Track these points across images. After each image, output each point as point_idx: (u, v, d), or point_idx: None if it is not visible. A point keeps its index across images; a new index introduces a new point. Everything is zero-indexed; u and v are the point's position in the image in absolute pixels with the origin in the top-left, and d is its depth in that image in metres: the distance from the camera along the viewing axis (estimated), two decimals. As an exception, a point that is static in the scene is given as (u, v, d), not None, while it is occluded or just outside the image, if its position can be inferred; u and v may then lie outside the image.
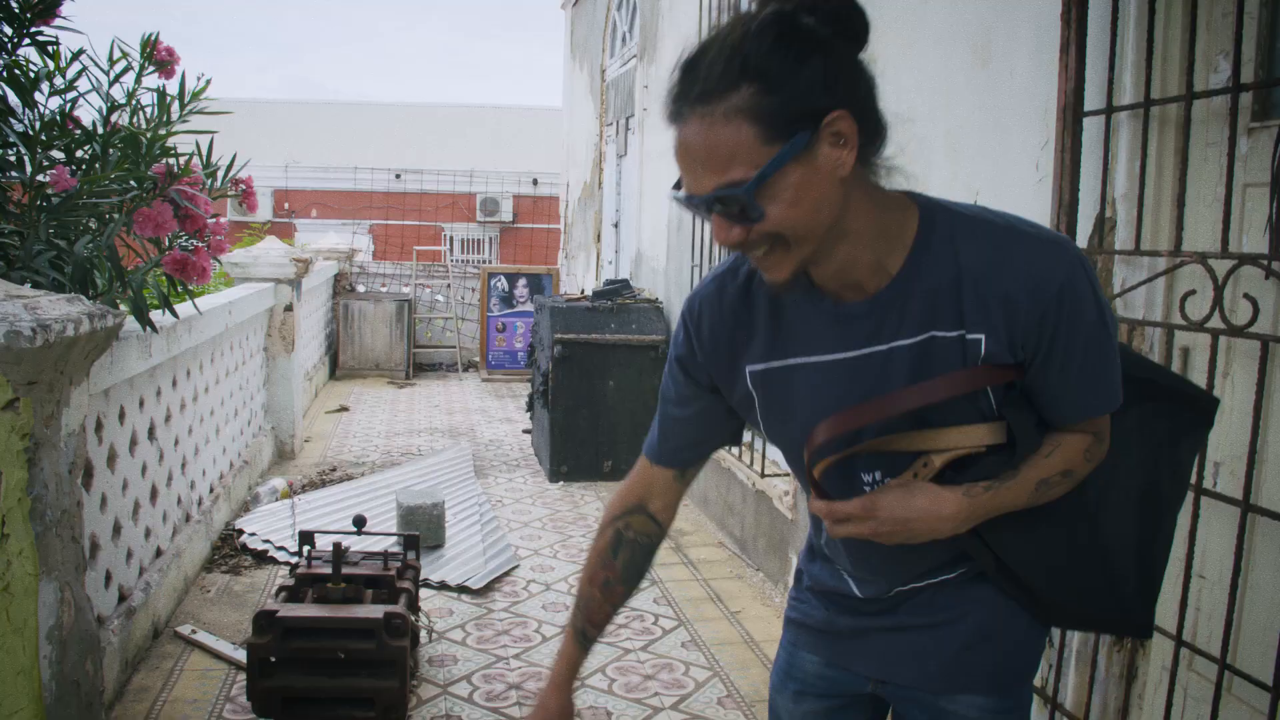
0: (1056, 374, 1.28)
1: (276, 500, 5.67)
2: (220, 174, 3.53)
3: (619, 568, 1.58)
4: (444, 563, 4.70)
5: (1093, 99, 2.32)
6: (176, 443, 4.42)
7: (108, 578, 3.44)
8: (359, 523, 3.40)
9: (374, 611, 2.98)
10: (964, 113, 2.94)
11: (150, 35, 3.30)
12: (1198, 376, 2.11)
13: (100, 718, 2.75)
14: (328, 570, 3.22)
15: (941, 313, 1.28)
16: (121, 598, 3.59)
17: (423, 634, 3.78)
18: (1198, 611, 2.11)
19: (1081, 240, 2.36)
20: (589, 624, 1.60)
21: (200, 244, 3.33)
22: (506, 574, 4.72)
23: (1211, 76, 2.13)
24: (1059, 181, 2.38)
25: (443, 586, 4.50)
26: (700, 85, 1.18)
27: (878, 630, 1.50)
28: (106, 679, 3.10)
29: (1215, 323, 1.97)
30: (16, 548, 2.35)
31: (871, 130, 1.23)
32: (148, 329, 3.55)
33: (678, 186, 1.25)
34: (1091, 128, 2.34)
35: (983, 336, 1.26)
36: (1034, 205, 2.51)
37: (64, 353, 2.41)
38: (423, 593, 4.11)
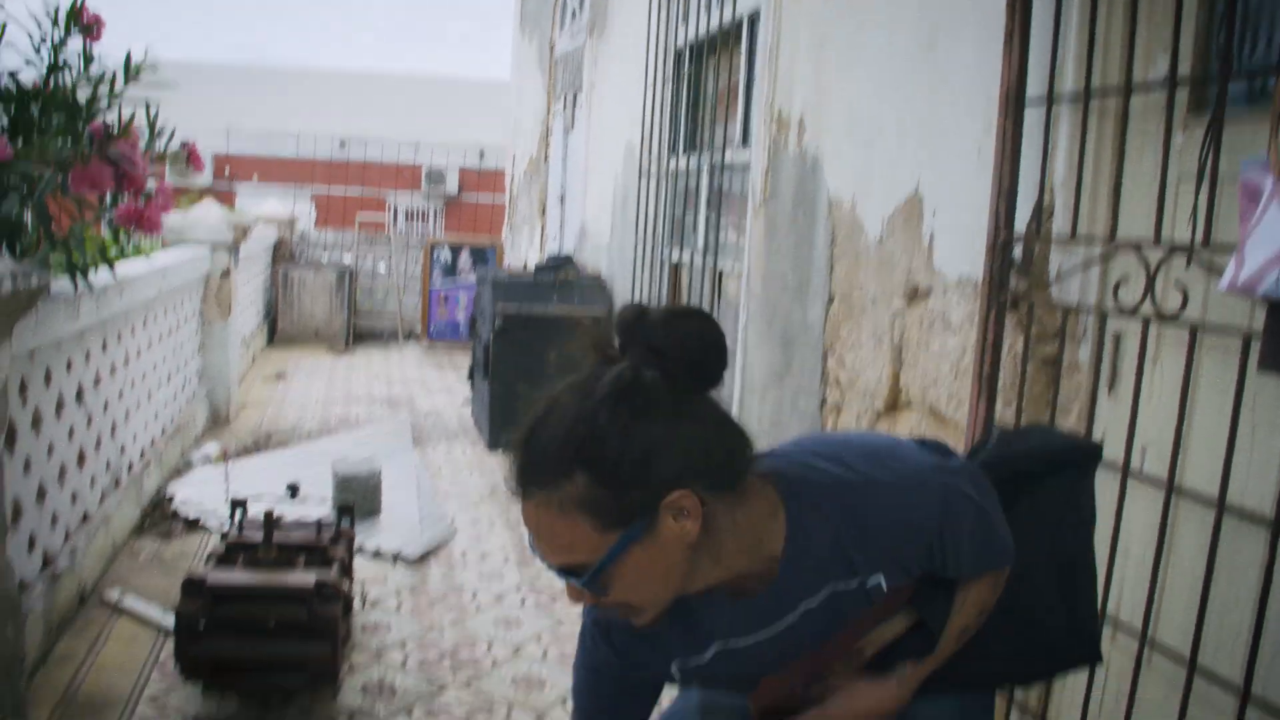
0: (953, 566, 1.39)
1: (210, 466, 5.59)
2: (164, 139, 3.45)
3: None
4: (379, 531, 4.67)
5: (1035, 87, 2.35)
6: (106, 406, 4.33)
7: (31, 542, 3.37)
8: (293, 490, 3.37)
9: (305, 578, 2.95)
10: (910, 97, 2.96)
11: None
12: (1128, 362, 2.16)
13: (20, 683, 2.70)
14: (259, 537, 3.18)
15: (835, 569, 1.33)
16: (46, 562, 3.52)
17: (356, 602, 3.76)
18: (1121, 588, 2.16)
19: (1020, 225, 2.39)
20: None
21: (152, 198, 3.26)
22: (443, 543, 4.71)
23: (1150, 70, 2.16)
24: (999, 167, 2.41)
25: (378, 555, 4.47)
26: (536, 470, 1.17)
27: None
28: (29, 645, 3.04)
29: (1146, 310, 2.01)
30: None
31: (725, 476, 1.22)
32: (78, 288, 3.46)
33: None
34: (1033, 116, 2.37)
35: (880, 576, 1.34)
36: (975, 189, 2.54)
37: (-12, 310, 2.35)
38: (357, 561, 4.08)
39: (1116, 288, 2.09)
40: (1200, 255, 1.92)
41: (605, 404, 1.14)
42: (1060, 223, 2.33)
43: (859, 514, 1.31)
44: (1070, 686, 2.29)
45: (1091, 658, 1.62)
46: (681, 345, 1.17)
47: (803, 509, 1.31)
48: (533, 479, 1.17)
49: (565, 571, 1.19)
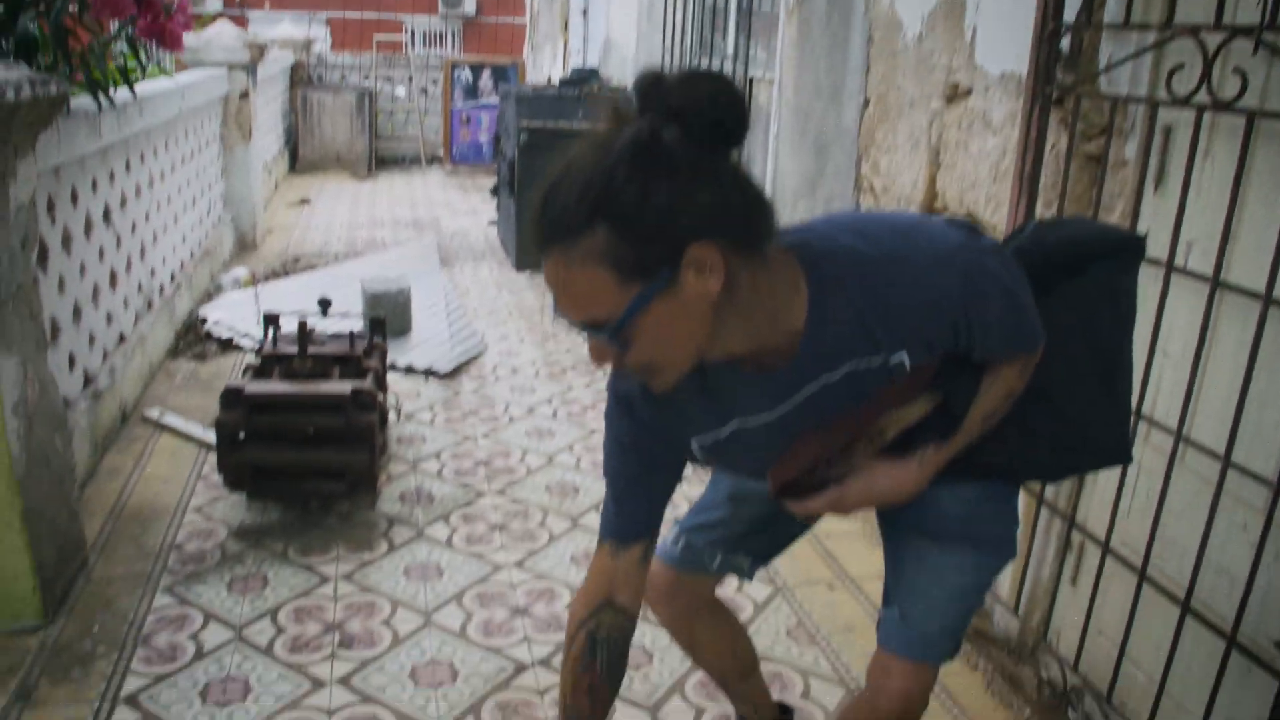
0: (979, 348, 1.37)
1: (239, 289, 5.62)
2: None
3: (600, 669, 1.54)
4: (411, 348, 4.72)
5: None
6: (134, 228, 4.32)
7: (71, 361, 3.42)
8: (324, 304, 3.37)
9: (341, 387, 2.98)
10: (954, -122, 2.78)
11: None
12: (1178, 156, 2.08)
13: (73, 492, 2.77)
14: (294, 350, 3.21)
15: (856, 346, 1.32)
16: (87, 381, 3.58)
17: (391, 414, 3.82)
18: (1158, 388, 2.14)
19: (1069, 14, 2.28)
20: None
21: (173, 14, 3.17)
22: (474, 359, 4.75)
23: None
24: (1050, -48, 2.27)
25: (410, 371, 4.53)
26: (556, 226, 1.14)
27: None
28: (77, 459, 3.11)
29: (1202, 98, 1.93)
30: (-27, 322, 2.31)
31: (747, 236, 1.19)
32: (100, 105, 3.40)
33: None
34: (1088, -107, 2.22)
35: (904, 353, 1.33)
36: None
37: (6, 119, 2.30)
38: (390, 376, 4.14)
39: (1170, 76, 1.99)
40: (1265, 37, 1.81)
41: (624, 159, 1.12)
42: (1112, 10, 2.21)
43: (882, 290, 1.29)
44: (1101, 485, 2.31)
45: (1123, 457, 1.61)
46: (699, 104, 1.13)
47: (825, 283, 1.29)
48: (553, 235, 1.15)
49: (588, 327, 1.19)
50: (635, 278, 1.13)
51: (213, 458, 3.51)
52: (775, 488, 1.47)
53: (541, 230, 1.16)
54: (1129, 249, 1.56)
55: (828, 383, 1.34)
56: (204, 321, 5.03)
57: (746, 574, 1.87)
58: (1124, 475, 2.19)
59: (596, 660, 1.53)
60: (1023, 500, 2.51)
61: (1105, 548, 2.24)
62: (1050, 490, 2.45)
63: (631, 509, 1.53)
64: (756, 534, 1.81)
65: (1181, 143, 2.06)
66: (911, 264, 1.30)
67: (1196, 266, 2.02)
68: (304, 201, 8.91)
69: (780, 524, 1.78)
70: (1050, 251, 1.51)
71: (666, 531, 1.70)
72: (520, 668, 2.47)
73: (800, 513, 1.49)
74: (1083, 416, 1.53)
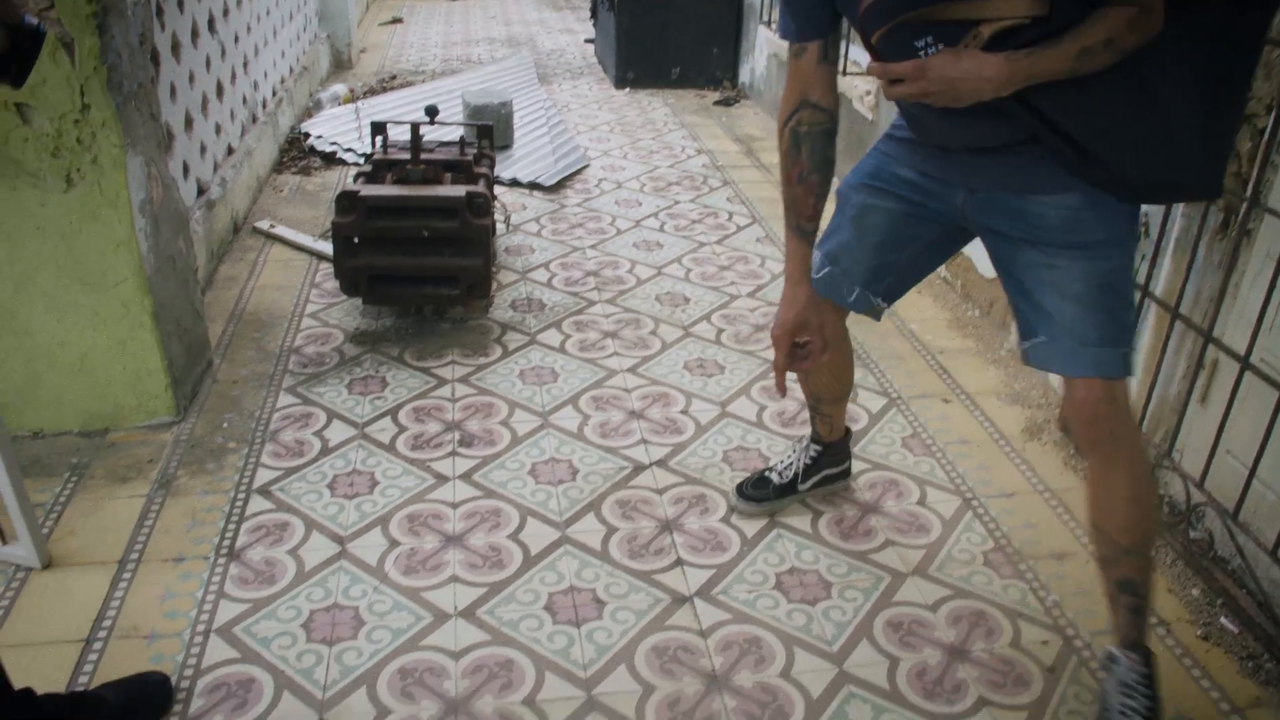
0: None
1: (339, 105, 5.60)
2: None
3: (805, 160, 1.74)
4: (514, 162, 4.68)
5: None
6: (236, 39, 4.29)
7: (185, 170, 3.45)
8: (431, 112, 3.32)
9: (456, 190, 2.96)
10: None
11: None
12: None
13: (196, 294, 2.84)
14: (404, 157, 3.18)
15: None
16: (200, 191, 3.62)
17: (499, 224, 3.81)
18: None
19: None
20: (802, 219, 1.79)
21: None
22: (577, 173, 4.70)
23: None
24: None
25: (514, 184, 4.50)
26: None
27: (969, 152, 1.67)
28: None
29: None
30: (99, 119, 2.32)
31: None
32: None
33: None
34: None
35: None
36: None
37: (119, -92, 2.26)
38: (495, 189, 4.11)
39: None
40: None
41: None
42: None
43: None
44: (1241, 301, 2.21)
45: (1212, 192, 1.59)
46: None
47: None
48: None
49: None
50: None
51: (324, 267, 3.56)
52: (865, 14, 1.49)
53: None
54: None
55: None
56: (306, 136, 5.03)
57: (876, 315, 1.99)
58: (1271, 290, 2.09)
59: (800, 153, 1.74)
60: (1154, 315, 2.43)
61: (1244, 363, 2.16)
62: (1186, 304, 2.36)
63: (803, 12, 1.67)
64: (884, 270, 1.90)
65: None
66: None
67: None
68: (396, 20, 8.78)
69: (904, 262, 1.90)
70: None
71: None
72: (639, 467, 2.51)
73: (880, 74, 1.50)
74: (1183, 134, 1.48)
